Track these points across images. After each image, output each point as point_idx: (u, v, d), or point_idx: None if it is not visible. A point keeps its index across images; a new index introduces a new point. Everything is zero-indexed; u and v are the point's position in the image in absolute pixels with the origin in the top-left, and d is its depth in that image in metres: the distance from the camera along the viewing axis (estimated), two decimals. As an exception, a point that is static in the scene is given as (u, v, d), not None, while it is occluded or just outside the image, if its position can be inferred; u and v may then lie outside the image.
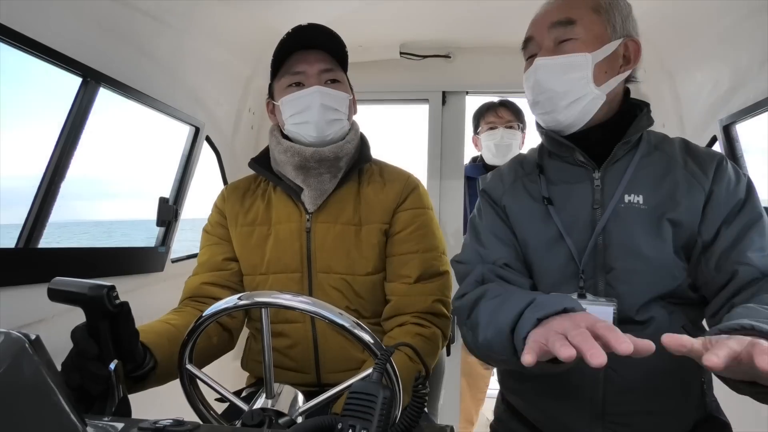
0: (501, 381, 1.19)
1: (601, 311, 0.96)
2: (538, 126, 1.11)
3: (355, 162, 1.28)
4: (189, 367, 0.89)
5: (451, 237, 2.46)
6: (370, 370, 0.68)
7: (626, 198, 1.00)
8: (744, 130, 1.77)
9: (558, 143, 1.07)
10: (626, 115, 1.05)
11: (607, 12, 1.00)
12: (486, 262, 1.07)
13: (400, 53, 2.41)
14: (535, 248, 1.06)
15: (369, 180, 1.30)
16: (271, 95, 1.31)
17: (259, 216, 1.29)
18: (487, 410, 3.31)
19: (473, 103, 2.57)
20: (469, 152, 2.56)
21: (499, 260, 1.06)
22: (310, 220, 1.25)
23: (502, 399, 1.21)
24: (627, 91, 1.09)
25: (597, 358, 0.60)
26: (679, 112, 2.02)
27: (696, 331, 1.01)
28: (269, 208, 1.30)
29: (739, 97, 1.69)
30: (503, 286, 1.00)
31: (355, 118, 1.35)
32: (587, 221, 1.02)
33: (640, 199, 1.00)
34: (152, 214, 1.85)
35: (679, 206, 0.97)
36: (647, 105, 1.08)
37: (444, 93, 2.52)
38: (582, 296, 1.00)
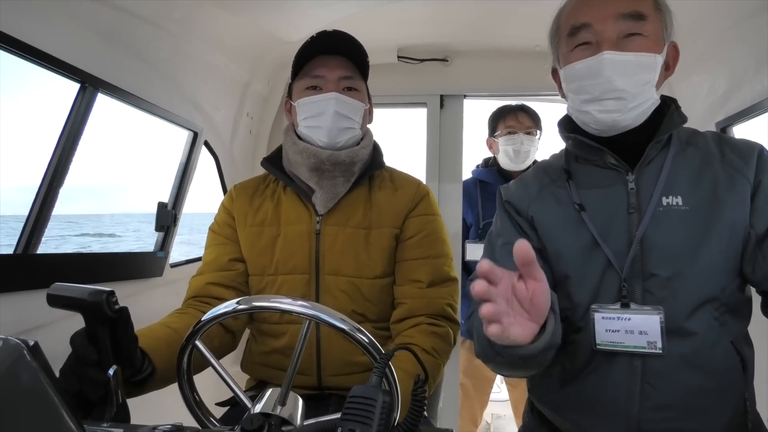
0: (530, 390, 1.16)
1: (647, 320, 0.93)
2: (563, 129, 1.08)
3: (368, 167, 1.30)
4: (198, 343, 0.87)
5: (450, 241, 2.45)
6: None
7: (664, 201, 0.96)
8: (741, 133, 1.78)
9: (587, 147, 1.02)
10: (656, 115, 1.01)
11: (663, 13, 0.97)
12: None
13: (398, 57, 2.41)
14: (571, 258, 1.01)
15: (380, 185, 1.32)
16: (290, 95, 1.33)
17: (269, 216, 1.29)
18: (486, 413, 3.30)
19: (471, 106, 2.57)
20: (469, 156, 2.56)
21: None
22: (320, 222, 1.26)
23: (531, 408, 1.19)
24: None
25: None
26: (676, 115, 2.02)
27: (747, 347, 0.99)
28: (278, 208, 1.30)
29: (736, 100, 1.70)
30: None
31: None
32: (623, 226, 0.98)
33: (679, 200, 0.95)
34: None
35: (725, 204, 0.93)
36: (674, 101, 1.03)
37: (442, 96, 2.52)
38: (625, 306, 0.95)
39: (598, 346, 0.96)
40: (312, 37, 1.23)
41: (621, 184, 1.00)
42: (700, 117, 1.89)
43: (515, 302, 0.74)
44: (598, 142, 1.01)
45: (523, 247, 0.70)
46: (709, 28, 1.72)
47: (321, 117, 1.23)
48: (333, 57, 1.25)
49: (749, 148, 0.97)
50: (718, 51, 1.75)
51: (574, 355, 1.02)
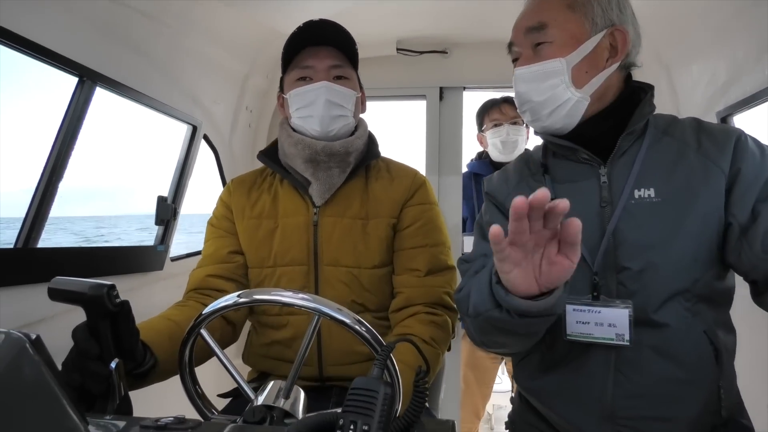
0: (515, 378, 1.18)
1: (615, 314, 0.94)
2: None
3: (364, 158, 1.31)
4: (203, 332, 0.88)
5: (449, 232, 2.45)
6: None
7: (636, 193, 0.97)
8: (741, 122, 1.78)
9: (559, 144, 1.04)
10: (628, 102, 1.00)
11: (583, 6, 0.97)
12: (489, 256, 1.02)
13: (397, 49, 2.40)
14: None
15: (377, 176, 1.33)
16: (281, 88, 1.33)
17: (266, 209, 1.30)
18: (488, 404, 3.31)
19: (470, 98, 2.57)
20: (468, 148, 2.56)
21: None
22: (317, 213, 1.26)
23: (519, 394, 1.21)
24: (628, 77, 1.04)
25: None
26: (677, 105, 2.02)
27: (725, 334, 0.98)
28: (276, 201, 1.31)
29: (736, 89, 1.69)
30: None
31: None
32: (596, 220, 0.98)
33: (652, 192, 0.96)
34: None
35: (698, 194, 0.93)
36: (652, 88, 1.03)
37: (441, 89, 2.51)
38: (596, 298, 0.97)
39: (568, 337, 0.99)
40: (299, 28, 1.24)
41: (594, 178, 1.01)
42: (700, 107, 1.89)
43: (537, 254, 0.77)
44: (570, 137, 1.02)
45: (575, 225, 0.73)
46: (709, 18, 1.71)
47: (312, 106, 1.23)
48: (321, 47, 1.26)
49: (726, 135, 0.96)
50: (719, 40, 1.74)
51: (551, 344, 1.04)
